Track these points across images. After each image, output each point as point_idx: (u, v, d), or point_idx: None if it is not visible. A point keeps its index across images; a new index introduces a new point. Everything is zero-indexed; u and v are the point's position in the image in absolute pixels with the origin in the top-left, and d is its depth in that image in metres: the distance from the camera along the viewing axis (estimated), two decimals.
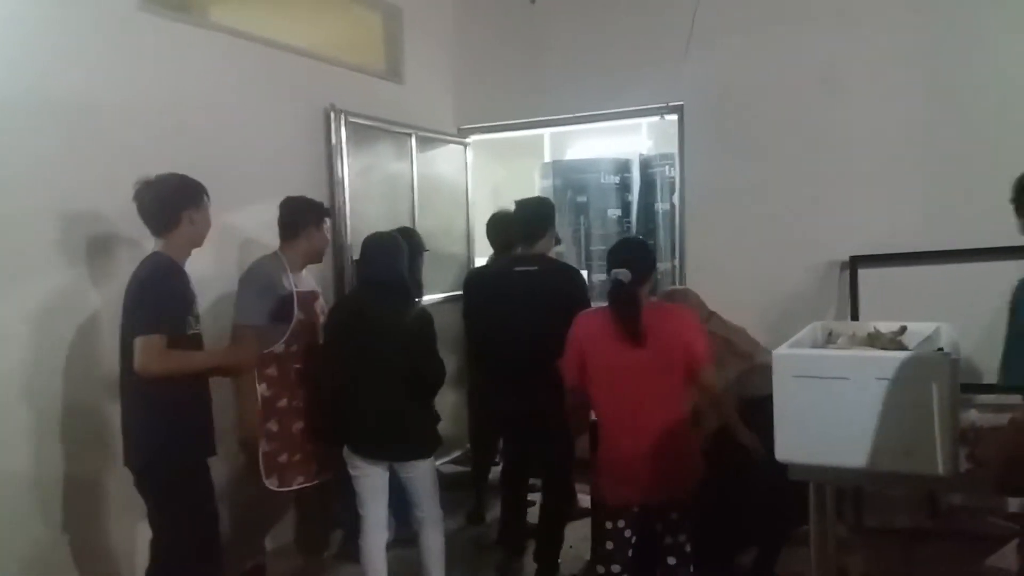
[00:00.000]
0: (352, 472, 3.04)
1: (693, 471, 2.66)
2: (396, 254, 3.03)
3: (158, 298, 2.52)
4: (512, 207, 3.57)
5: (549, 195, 5.25)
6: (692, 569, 2.69)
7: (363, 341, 2.94)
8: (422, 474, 3.02)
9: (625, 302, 2.59)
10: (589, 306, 3.15)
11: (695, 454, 2.69)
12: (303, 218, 3.25)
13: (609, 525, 2.68)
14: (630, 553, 2.68)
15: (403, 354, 2.90)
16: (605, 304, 2.68)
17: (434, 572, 3.09)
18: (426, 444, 3.03)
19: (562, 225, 5.09)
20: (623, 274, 2.58)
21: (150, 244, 2.67)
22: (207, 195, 2.72)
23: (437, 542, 3.10)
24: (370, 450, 3.00)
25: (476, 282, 3.70)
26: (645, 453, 2.57)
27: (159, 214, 2.62)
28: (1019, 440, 2.20)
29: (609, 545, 2.69)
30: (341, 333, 3.01)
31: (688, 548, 2.67)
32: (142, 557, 2.80)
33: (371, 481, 3.03)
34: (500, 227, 3.98)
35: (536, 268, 3.35)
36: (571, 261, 5.21)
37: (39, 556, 2.77)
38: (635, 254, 2.69)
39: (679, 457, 2.62)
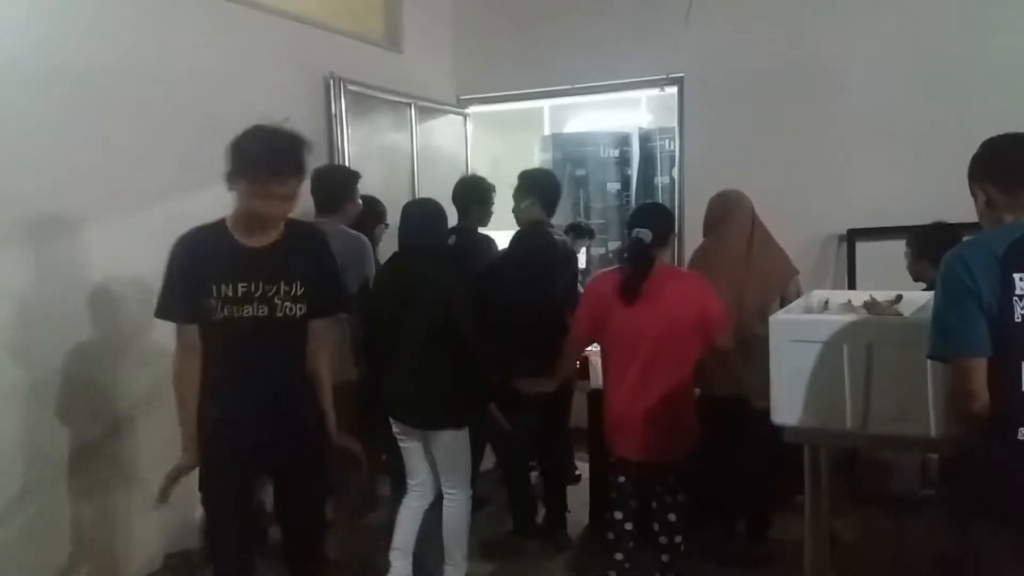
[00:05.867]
0: (396, 434, 2.98)
1: (689, 435, 2.70)
2: (437, 219, 2.97)
3: None
4: (516, 180, 3.60)
5: (548, 167, 5.23)
6: (688, 527, 2.74)
7: (403, 304, 2.86)
8: (450, 446, 2.89)
9: (639, 259, 2.64)
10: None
11: (692, 418, 2.72)
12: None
13: (611, 478, 2.77)
14: (633, 504, 2.73)
15: (443, 317, 2.80)
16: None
17: (453, 551, 2.96)
18: (457, 414, 2.88)
19: (562, 198, 5.08)
20: (644, 233, 2.63)
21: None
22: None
23: (455, 519, 2.94)
24: (403, 414, 2.92)
25: None
26: (645, 413, 2.61)
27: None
28: None
29: (613, 495, 2.77)
30: (384, 297, 2.96)
31: (684, 507, 2.71)
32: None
33: (411, 445, 2.96)
34: None
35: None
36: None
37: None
38: (656, 216, 2.76)
39: (677, 420, 2.65)
